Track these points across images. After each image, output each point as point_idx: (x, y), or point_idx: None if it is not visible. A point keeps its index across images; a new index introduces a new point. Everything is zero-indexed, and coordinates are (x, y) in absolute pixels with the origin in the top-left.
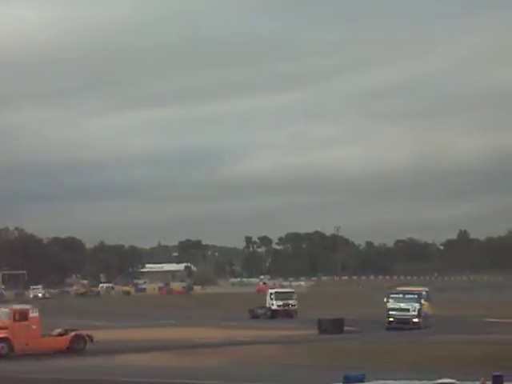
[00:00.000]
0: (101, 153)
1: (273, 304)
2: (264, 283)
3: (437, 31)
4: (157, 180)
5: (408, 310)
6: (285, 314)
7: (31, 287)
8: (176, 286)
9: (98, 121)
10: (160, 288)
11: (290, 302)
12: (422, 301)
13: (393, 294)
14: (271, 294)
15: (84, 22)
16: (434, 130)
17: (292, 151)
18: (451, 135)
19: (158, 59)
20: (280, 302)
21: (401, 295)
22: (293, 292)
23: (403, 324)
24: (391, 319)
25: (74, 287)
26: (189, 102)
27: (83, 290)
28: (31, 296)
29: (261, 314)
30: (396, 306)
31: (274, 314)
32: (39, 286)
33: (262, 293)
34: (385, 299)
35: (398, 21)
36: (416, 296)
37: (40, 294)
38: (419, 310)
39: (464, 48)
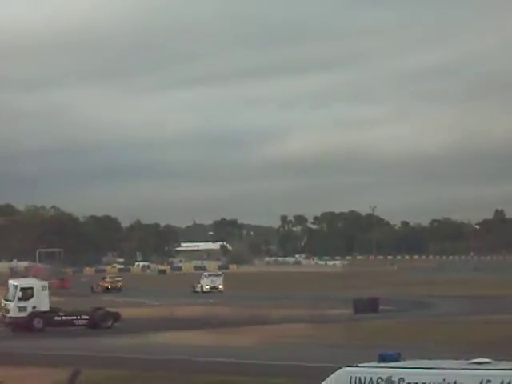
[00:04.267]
0: (138, 133)
1: None
2: None
3: (483, 14)
4: (193, 159)
5: None
6: None
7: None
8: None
9: (137, 102)
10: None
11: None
12: None
13: None
14: None
15: (123, 5)
16: (471, 111)
17: (329, 132)
18: (489, 117)
19: (199, 41)
20: None
21: None
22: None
23: None
24: None
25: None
26: (230, 83)
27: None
28: None
29: None
30: None
31: None
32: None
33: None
34: None
35: (445, 3)
36: None
37: None
38: None
39: (508, 30)
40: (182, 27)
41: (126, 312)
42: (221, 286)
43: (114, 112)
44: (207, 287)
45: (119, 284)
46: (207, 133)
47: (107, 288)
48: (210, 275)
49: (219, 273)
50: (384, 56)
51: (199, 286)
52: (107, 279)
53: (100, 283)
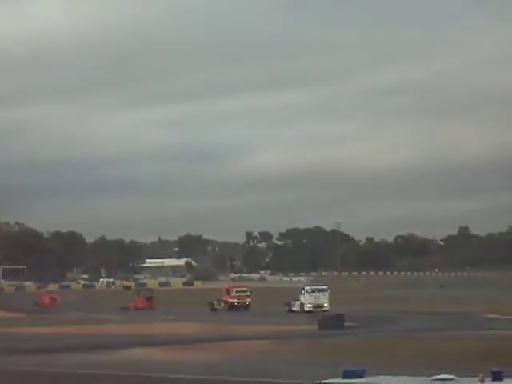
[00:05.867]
0: (103, 149)
1: None
2: None
3: (449, 32)
4: (157, 175)
5: None
6: None
7: None
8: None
9: (105, 118)
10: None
11: None
12: None
13: None
14: None
15: (99, 20)
16: (436, 128)
17: (294, 148)
18: (454, 134)
19: (170, 57)
20: None
21: None
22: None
23: None
24: None
25: None
26: (198, 99)
27: None
28: None
29: None
30: None
31: None
32: None
33: None
34: None
35: (411, 21)
36: None
37: None
38: None
39: (476, 49)
40: (155, 43)
41: None
42: (326, 304)
43: (82, 128)
44: (309, 306)
45: (248, 300)
46: (173, 149)
47: (234, 305)
48: (313, 290)
49: (325, 287)
50: (352, 73)
51: (298, 303)
52: (233, 293)
53: (223, 298)
